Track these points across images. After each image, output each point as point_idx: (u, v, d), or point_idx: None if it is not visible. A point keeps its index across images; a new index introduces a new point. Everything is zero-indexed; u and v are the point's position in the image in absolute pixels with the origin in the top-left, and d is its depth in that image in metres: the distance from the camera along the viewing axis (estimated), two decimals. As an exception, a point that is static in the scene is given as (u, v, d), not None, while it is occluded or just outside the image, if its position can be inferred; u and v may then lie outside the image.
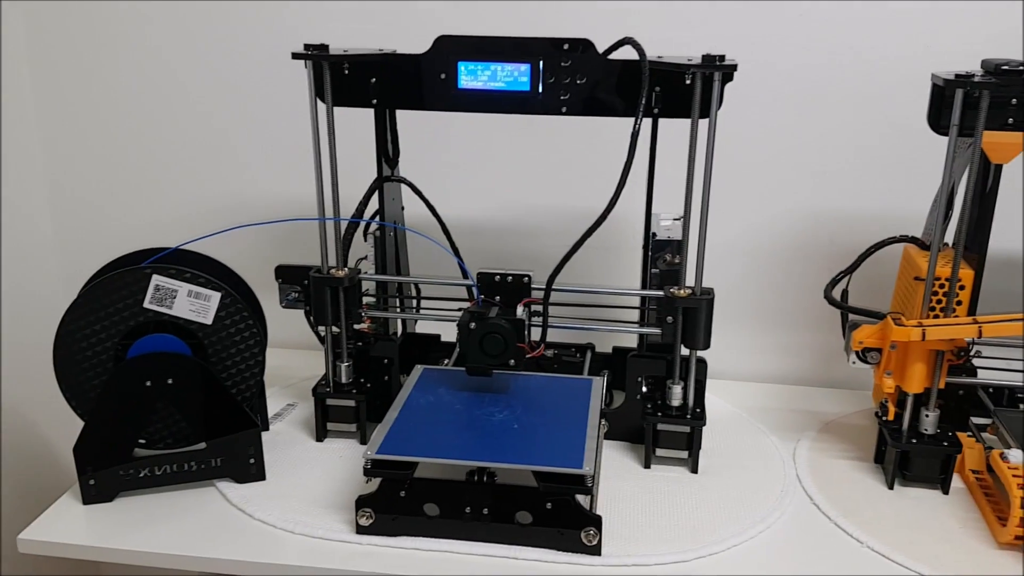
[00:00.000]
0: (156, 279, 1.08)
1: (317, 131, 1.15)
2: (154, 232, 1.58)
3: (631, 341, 1.34)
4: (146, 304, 1.08)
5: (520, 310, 1.14)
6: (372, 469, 1.02)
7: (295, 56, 1.11)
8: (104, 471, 1.09)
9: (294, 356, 1.47)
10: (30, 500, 1.51)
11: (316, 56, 1.11)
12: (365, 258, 1.27)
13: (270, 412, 1.32)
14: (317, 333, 1.27)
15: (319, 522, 1.06)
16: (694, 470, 1.18)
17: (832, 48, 1.33)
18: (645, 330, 1.18)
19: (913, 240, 1.21)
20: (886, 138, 1.36)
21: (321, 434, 1.25)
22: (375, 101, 1.16)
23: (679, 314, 1.13)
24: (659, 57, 1.11)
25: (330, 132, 1.15)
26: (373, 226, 1.26)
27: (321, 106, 1.15)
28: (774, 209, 1.42)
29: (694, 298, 1.12)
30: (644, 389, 1.22)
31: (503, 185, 1.47)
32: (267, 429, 1.28)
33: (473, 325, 1.12)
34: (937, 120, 1.08)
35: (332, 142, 1.15)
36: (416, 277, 1.33)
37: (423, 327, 1.41)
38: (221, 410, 1.11)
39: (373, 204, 1.26)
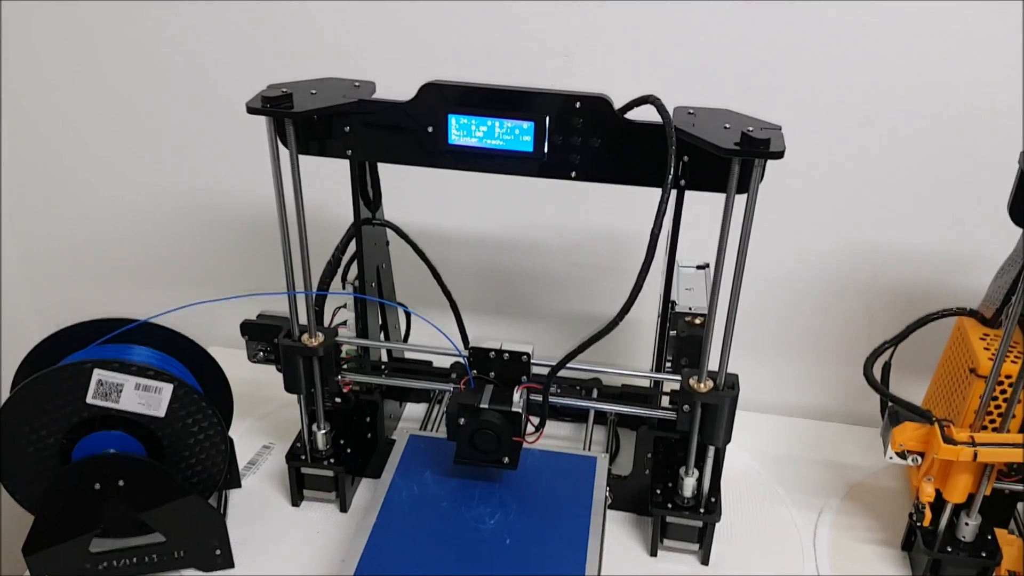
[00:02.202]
0: (98, 374, 0.94)
1: (280, 183, 0.97)
2: (106, 232, 1.42)
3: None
4: (89, 400, 0.95)
5: (517, 396, 1.00)
6: (345, 607, 0.92)
7: (251, 111, 0.92)
8: (57, 569, 0.99)
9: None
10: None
11: (277, 112, 0.91)
12: (344, 306, 1.12)
13: (244, 457, 1.21)
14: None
15: (292, 634, 0.97)
16: (705, 562, 1.07)
17: (896, 65, 1.12)
18: (658, 414, 1.04)
19: (971, 313, 1.05)
20: (947, 167, 1.17)
21: (297, 499, 1.14)
22: (349, 152, 0.98)
23: (697, 408, 0.99)
24: (690, 113, 0.91)
25: (296, 187, 0.97)
26: (352, 275, 1.10)
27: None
28: (805, 235, 1.25)
29: (716, 394, 0.97)
30: (651, 465, 1.10)
31: (504, 197, 1.29)
32: (239, 486, 1.17)
33: (463, 421, 0.98)
34: (1021, 211, 0.89)
35: (299, 200, 0.98)
36: (403, 345, 1.19)
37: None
38: (181, 504, 0.99)
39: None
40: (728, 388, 0.98)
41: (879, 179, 1.20)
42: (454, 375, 1.14)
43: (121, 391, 0.95)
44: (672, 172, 0.88)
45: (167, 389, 0.96)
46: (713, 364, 0.97)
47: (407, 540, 0.97)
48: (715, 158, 0.88)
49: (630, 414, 1.05)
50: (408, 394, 1.32)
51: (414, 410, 1.33)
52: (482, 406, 0.99)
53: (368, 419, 1.15)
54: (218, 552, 1.03)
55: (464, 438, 0.99)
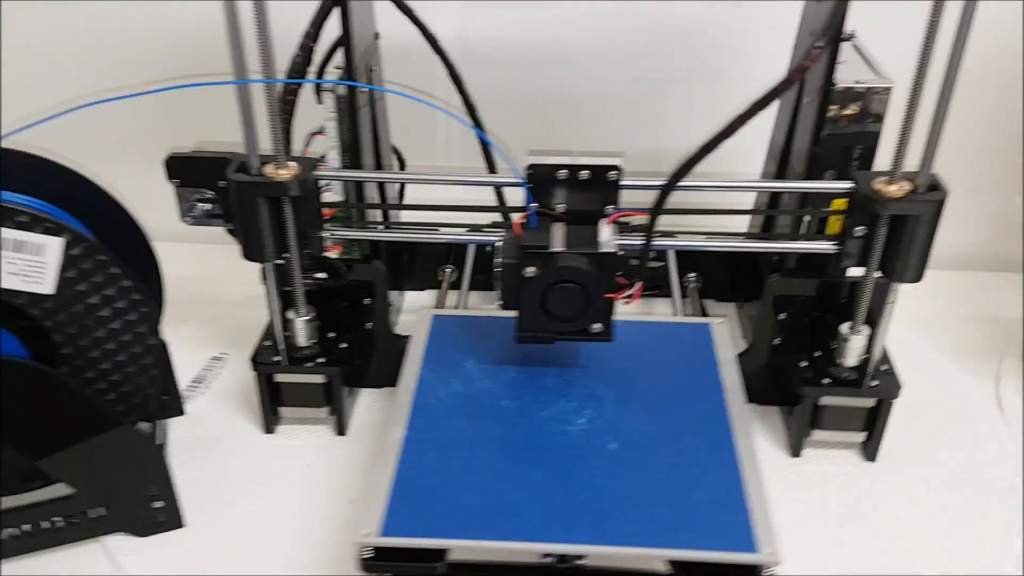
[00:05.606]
0: (-72, 225, 0.56)
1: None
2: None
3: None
4: (-83, 272, 0.57)
5: (608, 232, 0.65)
6: (375, 561, 0.56)
7: None
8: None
9: (212, 254, 0.91)
10: None
11: None
12: (321, 132, 0.75)
13: (187, 375, 0.85)
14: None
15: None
16: (872, 457, 0.75)
17: None
18: (811, 245, 0.70)
19: None
20: None
21: (271, 423, 0.78)
22: None
23: (883, 225, 0.65)
24: None
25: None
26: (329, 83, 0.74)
27: None
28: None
29: (917, 199, 0.64)
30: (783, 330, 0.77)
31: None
32: (181, 413, 0.80)
33: (533, 271, 0.63)
34: None
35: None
36: (416, 172, 0.82)
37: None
38: (92, 433, 0.63)
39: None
40: (931, 189, 0.65)
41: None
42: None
43: (-26, 253, 0.57)
44: None
45: (54, 245, 0.59)
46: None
47: (456, 457, 0.62)
48: None
49: (767, 250, 0.71)
50: (408, 277, 0.96)
51: (417, 300, 0.97)
52: (557, 249, 0.64)
53: (366, 303, 0.79)
54: (158, 505, 0.67)
55: (532, 300, 0.64)
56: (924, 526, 0.69)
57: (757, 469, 0.60)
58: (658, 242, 0.68)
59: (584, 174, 0.66)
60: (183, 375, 0.85)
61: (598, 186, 0.67)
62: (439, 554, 0.56)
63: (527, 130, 1.00)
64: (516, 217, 0.67)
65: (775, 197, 0.81)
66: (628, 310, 0.92)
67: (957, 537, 0.68)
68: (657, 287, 0.92)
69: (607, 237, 0.65)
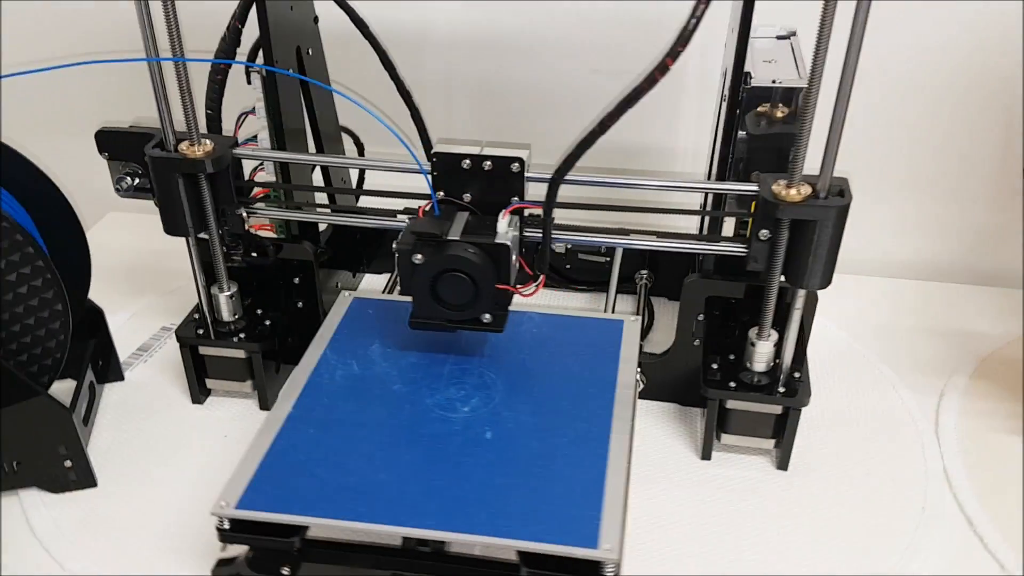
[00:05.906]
0: None
1: None
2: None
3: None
4: None
5: (505, 223, 0.66)
6: (232, 532, 0.58)
7: None
8: None
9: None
10: None
11: None
12: (252, 112, 0.77)
13: (131, 346, 0.88)
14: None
15: (172, 583, 0.64)
16: (783, 466, 0.74)
17: None
18: (718, 248, 0.69)
19: None
20: None
21: (198, 394, 0.81)
22: None
23: (784, 229, 0.64)
24: None
25: None
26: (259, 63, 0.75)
27: None
28: (916, 20, 0.89)
29: (816, 204, 0.62)
30: (704, 330, 0.76)
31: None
32: (120, 378, 0.83)
33: (420, 258, 0.64)
34: None
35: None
36: (330, 156, 0.83)
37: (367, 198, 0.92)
38: (5, 396, 0.66)
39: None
40: (836, 195, 0.63)
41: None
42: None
43: None
44: None
45: (-46, 213, 0.62)
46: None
47: (335, 440, 0.63)
48: None
49: (676, 250, 0.70)
50: (365, 257, 0.98)
51: (374, 282, 0.99)
52: (451, 238, 0.64)
53: (298, 282, 0.81)
54: (68, 464, 0.70)
55: (423, 287, 0.65)
56: (819, 538, 0.68)
57: (625, 467, 0.60)
58: (560, 235, 0.68)
59: (487, 165, 0.67)
60: (133, 343, 0.89)
61: (502, 177, 0.67)
62: (301, 530, 0.58)
63: (483, 116, 1.01)
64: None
65: (716, 199, 0.80)
66: (575, 304, 0.93)
67: (849, 552, 0.67)
68: (602, 282, 0.92)
69: (504, 227, 0.65)
